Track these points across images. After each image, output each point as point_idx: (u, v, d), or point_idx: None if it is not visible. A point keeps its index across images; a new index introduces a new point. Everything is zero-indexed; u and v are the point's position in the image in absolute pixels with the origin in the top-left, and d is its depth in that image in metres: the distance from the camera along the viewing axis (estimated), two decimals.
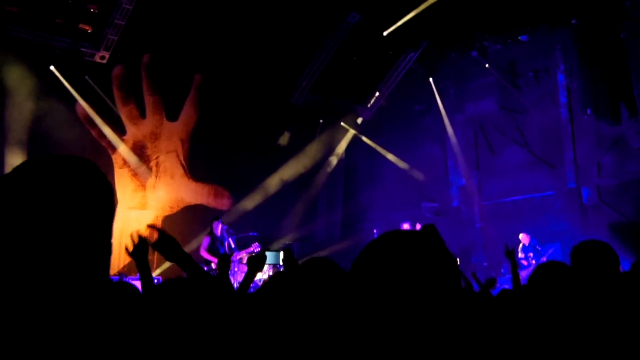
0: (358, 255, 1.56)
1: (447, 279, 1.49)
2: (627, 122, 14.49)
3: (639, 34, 13.94)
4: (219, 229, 12.32)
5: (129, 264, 14.10)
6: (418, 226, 14.74)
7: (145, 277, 3.79)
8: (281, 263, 13.04)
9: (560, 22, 15.25)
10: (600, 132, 14.97)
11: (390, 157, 18.25)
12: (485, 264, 15.86)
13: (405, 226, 14.21)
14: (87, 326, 1.38)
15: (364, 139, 18.65)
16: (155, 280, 12.48)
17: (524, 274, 13.43)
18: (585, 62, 15.05)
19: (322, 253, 16.52)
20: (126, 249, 3.94)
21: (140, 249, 3.87)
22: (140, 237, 3.91)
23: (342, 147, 18.72)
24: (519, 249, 13.94)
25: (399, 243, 1.53)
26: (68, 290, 1.40)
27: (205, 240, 12.20)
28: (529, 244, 13.85)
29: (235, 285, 11.97)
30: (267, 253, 4.45)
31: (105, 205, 1.58)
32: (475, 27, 16.02)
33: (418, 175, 17.75)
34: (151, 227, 4.18)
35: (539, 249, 13.87)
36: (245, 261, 12.63)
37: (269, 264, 12.65)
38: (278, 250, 13.72)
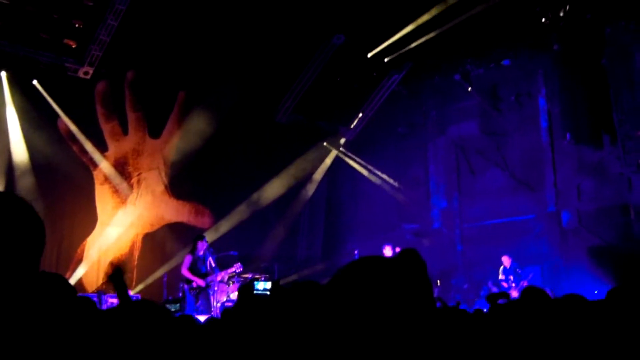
0: (331, 279, 1.56)
1: (419, 304, 1.49)
2: (607, 147, 14.64)
3: (619, 61, 14.15)
4: (203, 248, 12.17)
5: (107, 281, 13.95)
6: (398, 250, 14.72)
7: (122, 296, 4.50)
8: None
9: (543, 48, 15.43)
10: (580, 156, 15.11)
11: (373, 178, 18.29)
12: (466, 285, 15.88)
13: (387, 249, 14.17)
14: None
15: (347, 159, 18.68)
16: (134, 298, 12.41)
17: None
18: (567, 87, 15.23)
19: (303, 273, 16.49)
20: (105, 273, 4.70)
21: (116, 274, 4.60)
22: (116, 264, 4.69)
23: (324, 167, 18.72)
24: (500, 271, 14.00)
25: (370, 270, 1.53)
26: None
27: (187, 259, 12.06)
28: (510, 266, 13.90)
29: (214, 304, 11.90)
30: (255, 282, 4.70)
31: (30, 238, 1.74)
32: (458, 51, 16.17)
33: (394, 193, 17.81)
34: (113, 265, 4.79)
35: (519, 272, 13.91)
36: (225, 280, 12.53)
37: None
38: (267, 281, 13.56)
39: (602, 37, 14.37)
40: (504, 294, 6.93)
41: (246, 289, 4.31)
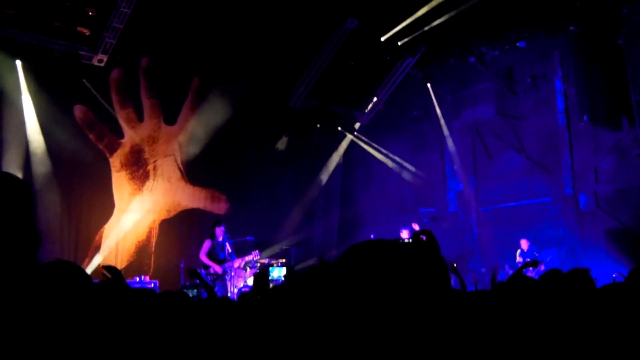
0: (339, 260, 1.55)
1: (432, 286, 1.48)
2: (624, 129, 14.52)
3: (636, 41, 13.97)
4: (221, 234, 12.25)
5: (124, 268, 14.09)
6: (416, 226, 14.72)
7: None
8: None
9: (558, 29, 15.28)
10: (597, 138, 15.00)
11: (388, 162, 18.26)
12: (483, 269, 15.85)
13: (404, 233, 14.19)
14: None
15: (362, 144, 18.65)
16: (152, 284, 12.49)
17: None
18: (583, 69, 15.09)
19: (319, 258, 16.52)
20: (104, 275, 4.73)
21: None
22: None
23: (339, 152, 18.71)
24: (517, 254, 13.97)
25: (378, 252, 1.52)
26: None
27: (205, 244, 12.15)
28: (528, 249, 13.87)
29: (230, 290, 11.97)
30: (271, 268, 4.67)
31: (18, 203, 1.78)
32: (473, 34, 16.05)
33: (409, 177, 17.77)
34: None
35: (537, 254, 13.87)
36: (242, 266, 12.60)
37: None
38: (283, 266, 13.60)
39: (619, 17, 14.19)
40: (535, 262, 6.83)
41: (261, 275, 4.30)
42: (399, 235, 14.10)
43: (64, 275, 2.47)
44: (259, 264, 13.22)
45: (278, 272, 12.54)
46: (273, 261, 13.71)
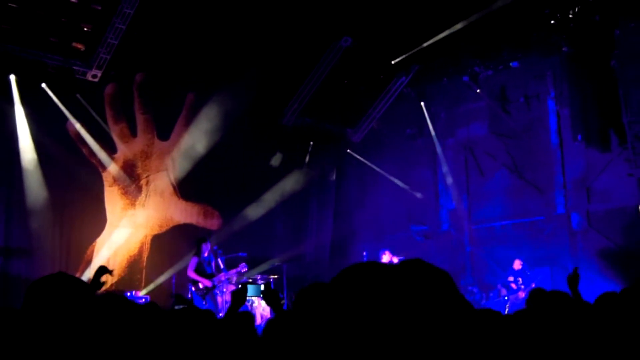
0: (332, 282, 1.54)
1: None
2: (616, 149, 14.59)
3: (629, 63, 14.07)
4: (207, 250, 12.31)
5: (116, 282, 14.06)
6: (387, 256, 14.31)
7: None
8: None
9: (552, 50, 15.38)
10: (589, 158, 15.06)
11: (381, 179, 18.27)
12: (475, 288, 15.83)
13: (385, 256, 14.08)
14: None
15: (355, 162, 18.67)
16: (143, 300, 12.45)
17: (512, 298, 13.48)
18: (576, 89, 15.15)
19: (312, 274, 16.50)
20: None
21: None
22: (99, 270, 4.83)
23: (332, 169, 18.72)
24: (509, 273, 13.98)
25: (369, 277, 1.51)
26: None
27: (192, 261, 12.21)
28: (519, 269, 13.87)
29: (221, 305, 11.94)
30: (249, 286, 4.69)
31: None
32: (467, 53, 16.14)
33: (405, 186, 17.78)
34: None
35: (528, 273, 13.89)
36: (234, 281, 12.60)
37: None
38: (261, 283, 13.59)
39: (612, 38, 14.30)
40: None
41: (239, 293, 4.28)
42: (380, 257, 14.00)
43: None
44: (249, 278, 13.26)
45: (256, 290, 12.62)
46: (255, 277, 13.72)
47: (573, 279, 5.67)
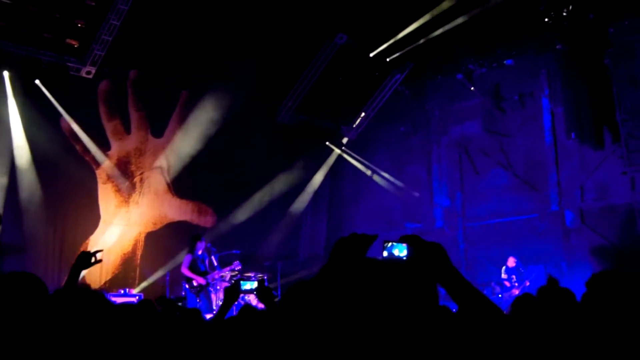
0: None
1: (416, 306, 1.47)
2: (610, 147, 14.63)
3: (622, 61, 14.13)
4: (201, 248, 12.29)
5: (110, 280, 14.03)
6: None
7: (69, 286, 4.29)
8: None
9: (546, 47, 15.40)
10: (583, 156, 15.09)
11: (375, 177, 18.29)
12: None
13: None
14: None
15: (349, 159, 18.68)
16: (136, 298, 12.44)
17: (506, 296, 13.51)
18: (570, 87, 15.17)
19: (306, 272, 16.48)
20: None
21: (80, 263, 4.40)
22: (81, 254, 4.46)
23: (327, 166, 18.72)
24: (503, 270, 13.99)
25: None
26: None
27: (186, 259, 12.19)
28: (513, 266, 13.89)
29: (216, 303, 11.93)
30: (242, 282, 4.56)
31: None
32: (461, 51, 16.16)
33: (401, 194, 17.78)
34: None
35: (522, 271, 13.92)
36: (227, 278, 12.59)
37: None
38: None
39: (605, 36, 14.34)
40: None
41: (232, 289, 4.27)
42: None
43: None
44: (243, 276, 13.22)
45: (250, 286, 12.57)
46: (248, 274, 13.69)
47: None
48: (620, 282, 3.05)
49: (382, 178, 18.18)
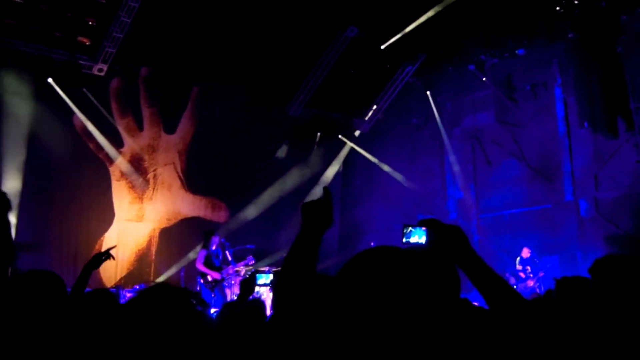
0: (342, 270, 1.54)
1: (439, 298, 1.47)
2: (624, 135, 14.51)
3: (635, 48, 13.99)
4: (215, 243, 12.35)
5: (125, 276, 14.11)
6: None
7: (79, 285, 4.33)
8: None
9: (557, 37, 15.28)
10: (597, 145, 14.98)
11: (388, 169, 18.25)
12: None
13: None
14: None
15: (362, 151, 18.65)
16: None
17: (521, 287, 13.47)
18: (582, 76, 15.06)
19: (319, 266, 16.46)
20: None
21: (92, 264, 4.53)
22: (94, 257, 4.61)
23: (339, 159, 18.71)
24: (517, 262, 13.96)
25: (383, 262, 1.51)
26: None
27: (201, 254, 12.24)
28: (527, 257, 13.86)
29: (230, 297, 11.98)
30: (258, 275, 4.62)
31: None
32: (472, 42, 16.08)
33: (413, 187, 17.73)
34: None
35: (537, 261, 13.87)
36: (242, 273, 12.63)
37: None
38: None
39: (618, 24, 14.21)
40: None
41: (248, 282, 4.29)
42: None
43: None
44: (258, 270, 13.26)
45: (265, 279, 12.62)
46: (263, 268, 13.71)
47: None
48: (624, 266, 3.05)
49: (395, 170, 18.14)
